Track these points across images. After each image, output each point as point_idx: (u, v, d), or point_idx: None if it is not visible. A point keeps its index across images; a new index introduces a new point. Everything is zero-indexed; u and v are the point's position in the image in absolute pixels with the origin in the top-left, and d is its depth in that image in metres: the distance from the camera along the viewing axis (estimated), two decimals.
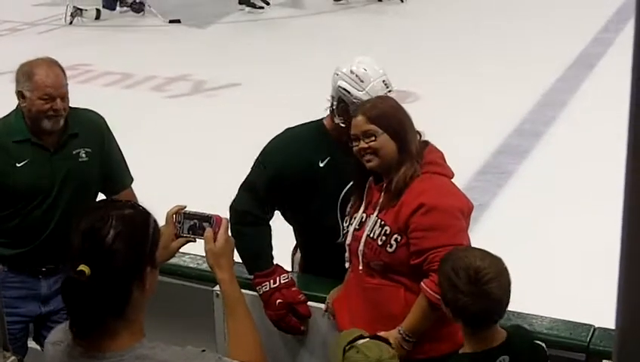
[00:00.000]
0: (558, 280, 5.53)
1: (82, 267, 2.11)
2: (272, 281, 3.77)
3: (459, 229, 3.32)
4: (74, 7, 13.50)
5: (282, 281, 3.77)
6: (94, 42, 12.43)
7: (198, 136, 8.49)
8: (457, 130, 8.30)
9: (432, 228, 3.29)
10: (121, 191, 4.16)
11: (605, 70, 10.20)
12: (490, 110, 8.88)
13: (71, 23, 13.41)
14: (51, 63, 3.90)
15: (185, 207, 2.72)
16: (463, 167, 7.32)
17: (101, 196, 4.18)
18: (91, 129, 4.05)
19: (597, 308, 4.01)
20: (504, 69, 10.19)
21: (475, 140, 8.08)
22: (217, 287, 3.86)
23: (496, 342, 2.87)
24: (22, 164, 3.87)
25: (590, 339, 3.43)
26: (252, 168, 3.94)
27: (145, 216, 2.27)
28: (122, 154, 4.21)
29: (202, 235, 2.64)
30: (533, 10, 12.86)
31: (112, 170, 4.15)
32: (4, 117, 4.01)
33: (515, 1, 13.47)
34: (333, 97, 3.93)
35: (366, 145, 3.40)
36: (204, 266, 4.04)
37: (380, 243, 3.38)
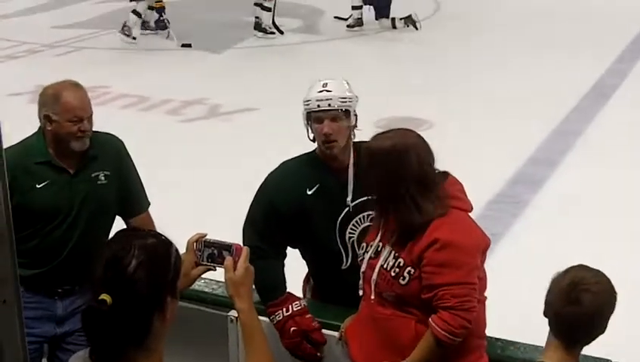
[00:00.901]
0: None
1: (104, 296, 2.14)
2: (284, 309, 3.78)
3: (472, 268, 3.32)
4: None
5: (295, 309, 3.78)
6: (111, 65, 12.50)
7: (214, 159, 8.51)
8: (471, 158, 8.30)
9: (445, 264, 3.28)
10: (139, 215, 4.20)
11: (620, 100, 10.21)
12: (505, 138, 8.87)
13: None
14: (76, 85, 3.96)
15: (206, 235, 2.72)
16: (477, 196, 7.30)
17: (118, 219, 4.21)
18: (110, 152, 4.09)
19: (615, 342, 4.01)
20: (518, 98, 10.18)
21: (489, 169, 8.07)
22: (232, 312, 3.89)
23: None
24: (42, 185, 3.91)
25: None
26: (251, 203, 3.98)
27: (167, 245, 2.29)
28: (140, 178, 4.24)
29: (221, 264, 2.64)
30: (548, 39, 12.87)
31: (130, 194, 4.17)
32: (25, 139, 4.04)
33: (529, 30, 13.47)
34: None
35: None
36: (219, 291, 4.07)
37: (393, 274, 3.37)
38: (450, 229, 3.32)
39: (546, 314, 2.89)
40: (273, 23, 13.74)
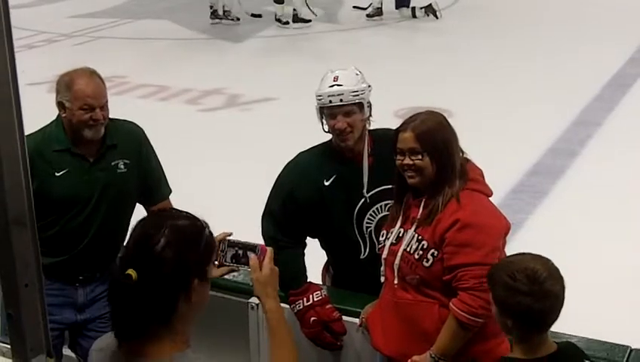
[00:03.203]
0: (593, 300, 5.49)
1: (130, 271, 2.17)
2: (305, 299, 3.78)
3: (492, 249, 3.31)
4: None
5: (316, 299, 3.79)
6: (130, 54, 12.52)
7: (233, 149, 8.52)
8: (491, 147, 8.26)
9: (466, 244, 3.29)
10: (159, 203, 4.19)
11: None
12: (525, 128, 8.84)
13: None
14: (91, 73, 3.94)
15: (230, 234, 2.73)
16: (497, 186, 7.30)
17: (139, 207, 4.22)
18: (130, 140, 4.08)
19: (634, 328, 4.01)
20: (539, 87, 10.15)
21: (509, 159, 8.04)
22: (252, 299, 3.90)
23: (546, 352, 2.83)
24: (61, 173, 3.91)
25: (627, 360, 3.41)
26: (268, 195, 3.98)
27: (199, 228, 2.31)
28: (161, 166, 4.24)
29: (245, 264, 2.65)
30: (569, 29, 12.81)
31: (151, 181, 4.18)
32: (44, 127, 4.04)
33: (550, 20, 13.42)
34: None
35: (411, 162, 3.41)
36: (240, 278, 4.07)
37: (416, 257, 3.38)
38: (471, 210, 3.34)
39: (513, 319, 2.81)
40: (307, 8, 13.88)
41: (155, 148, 4.23)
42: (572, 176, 7.85)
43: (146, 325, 2.21)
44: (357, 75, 3.99)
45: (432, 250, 3.35)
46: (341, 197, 3.86)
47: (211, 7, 14.22)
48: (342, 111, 3.83)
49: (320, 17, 14.35)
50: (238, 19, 14.05)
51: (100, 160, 4.00)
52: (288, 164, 4.03)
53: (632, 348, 3.47)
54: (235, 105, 10.24)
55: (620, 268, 5.99)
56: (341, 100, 3.82)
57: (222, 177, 7.75)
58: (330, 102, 3.84)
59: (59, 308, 3.98)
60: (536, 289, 2.74)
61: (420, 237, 3.39)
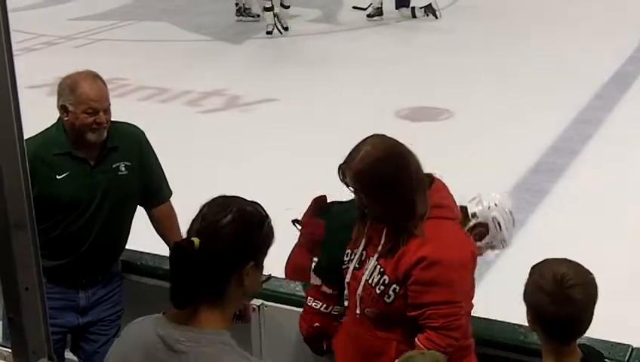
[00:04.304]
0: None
1: (194, 238, 2.31)
2: (324, 305, 3.73)
3: (461, 285, 3.22)
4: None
5: (332, 312, 3.73)
6: (129, 56, 12.51)
7: (234, 150, 8.52)
8: (492, 147, 8.29)
9: (433, 283, 3.17)
10: (161, 205, 4.20)
11: None
12: (526, 127, 8.84)
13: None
14: (94, 77, 3.93)
15: None
16: (497, 184, 7.32)
17: (140, 210, 4.21)
18: (131, 142, 4.08)
19: (635, 327, 4.00)
20: (539, 86, 10.15)
21: (509, 157, 8.05)
22: (254, 301, 3.89)
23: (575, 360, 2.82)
24: (62, 176, 3.90)
25: (628, 359, 3.40)
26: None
27: (263, 217, 2.45)
28: (161, 168, 4.23)
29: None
30: (570, 28, 12.81)
31: (151, 184, 4.17)
32: (45, 130, 4.03)
33: (551, 18, 13.42)
34: (474, 214, 4.01)
35: (358, 199, 3.32)
36: None
37: (378, 291, 3.26)
38: (436, 246, 3.19)
39: (533, 319, 2.81)
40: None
41: (155, 150, 4.23)
42: (572, 175, 7.85)
43: (199, 295, 2.33)
44: None
45: (394, 286, 3.23)
46: None
47: (237, 4, 14.36)
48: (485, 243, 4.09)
49: (320, 17, 14.36)
50: (259, 15, 14.05)
51: (101, 163, 3.99)
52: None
53: (634, 346, 3.47)
54: (235, 106, 10.24)
55: (620, 266, 5.99)
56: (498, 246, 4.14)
57: (223, 178, 7.75)
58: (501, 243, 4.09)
59: (61, 312, 3.97)
60: (558, 292, 2.72)
61: (382, 270, 3.27)
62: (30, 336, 2.27)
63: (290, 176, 7.27)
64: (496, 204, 4.05)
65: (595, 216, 6.81)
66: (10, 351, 2.31)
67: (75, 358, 4.27)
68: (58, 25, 14.39)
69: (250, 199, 2.52)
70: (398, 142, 3.37)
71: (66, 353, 4.21)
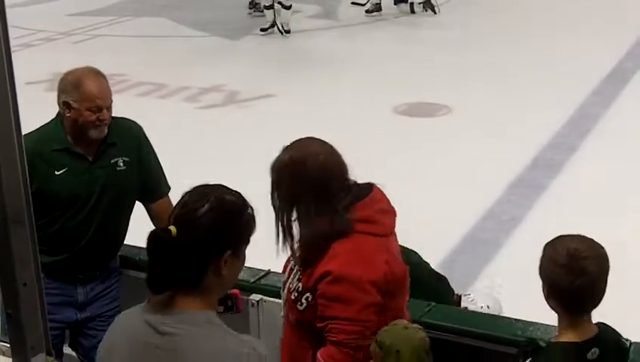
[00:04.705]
0: None
1: (171, 227, 2.33)
2: None
3: (365, 305, 3.10)
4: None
5: None
6: (128, 52, 12.51)
7: (231, 146, 8.52)
8: (490, 142, 8.29)
9: (337, 298, 3.10)
10: (159, 200, 4.20)
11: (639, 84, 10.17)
12: (524, 123, 8.85)
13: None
14: (98, 74, 3.93)
15: None
16: (496, 180, 7.34)
17: (138, 205, 4.22)
18: (129, 138, 4.08)
19: (634, 322, 4.00)
20: (538, 82, 10.15)
21: (508, 153, 8.05)
22: (252, 296, 3.90)
23: (590, 334, 2.91)
24: (60, 172, 3.90)
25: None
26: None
27: (242, 207, 2.46)
28: (159, 163, 4.23)
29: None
30: (568, 24, 12.82)
31: (149, 179, 4.17)
32: (43, 126, 4.03)
33: (549, 14, 13.42)
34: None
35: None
36: (240, 275, 4.06)
37: (292, 298, 3.24)
38: (344, 261, 3.10)
39: (549, 294, 2.91)
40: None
41: (154, 145, 4.23)
42: (571, 171, 7.85)
43: (177, 281, 2.35)
44: None
45: (307, 294, 3.18)
46: None
47: None
48: None
49: (319, 13, 14.35)
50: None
51: (100, 158, 3.99)
52: None
53: (632, 341, 3.47)
54: (233, 102, 10.24)
55: (619, 261, 5.97)
56: None
57: (221, 175, 7.74)
58: None
59: (59, 307, 3.97)
60: (573, 264, 2.82)
61: (299, 276, 3.24)
62: (28, 332, 2.27)
63: None
64: (488, 306, 4.16)
65: (593, 212, 6.81)
66: (8, 346, 2.32)
67: (73, 353, 4.27)
68: (57, 21, 14.38)
69: (234, 189, 2.53)
70: (311, 145, 3.31)
71: (64, 348, 4.22)
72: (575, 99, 9.59)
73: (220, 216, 2.38)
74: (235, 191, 2.50)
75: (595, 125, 8.92)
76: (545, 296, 2.93)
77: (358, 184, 3.24)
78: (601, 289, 2.88)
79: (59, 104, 3.91)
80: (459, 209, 6.75)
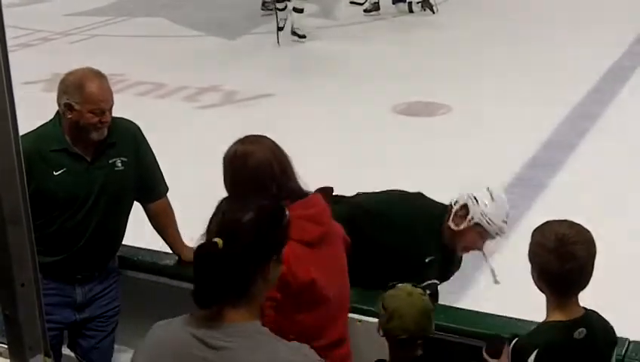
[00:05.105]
0: (591, 292, 5.49)
1: (217, 239, 2.31)
2: None
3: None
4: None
5: None
6: (126, 52, 12.49)
7: (229, 146, 8.51)
8: (489, 141, 8.28)
9: None
10: (157, 200, 4.20)
11: (639, 82, 10.15)
12: (522, 121, 8.84)
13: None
14: (100, 76, 3.92)
15: None
16: (495, 179, 7.31)
17: (136, 205, 4.21)
18: (127, 138, 4.07)
19: (632, 321, 3.99)
20: (536, 80, 10.14)
21: (507, 152, 8.05)
22: None
23: (577, 314, 3.02)
24: (59, 172, 3.89)
25: (625, 353, 3.41)
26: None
27: (281, 211, 2.47)
28: (157, 163, 4.23)
29: None
30: (566, 22, 12.81)
31: (147, 179, 4.17)
32: (41, 126, 4.02)
33: (547, 13, 13.41)
34: (457, 201, 4.24)
35: None
36: None
37: None
38: None
39: (539, 277, 3.00)
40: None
41: (152, 145, 4.23)
42: (570, 169, 7.85)
43: (226, 293, 2.34)
44: None
45: None
46: (422, 276, 4.04)
47: None
48: (486, 238, 4.22)
49: (317, 13, 14.33)
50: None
51: (98, 158, 3.98)
52: (407, 212, 4.32)
53: (631, 339, 3.47)
54: (231, 102, 10.23)
55: (617, 260, 5.98)
56: (498, 236, 4.23)
57: (219, 174, 7.74)
58: (497, 234, 4.21)
59: (57, 308, 3.97)
60: (561, 249, 2.91)
61: None
62: (26, 333, 2.26)
63: None
64: (476, 199, 4.22)
65: (592, 210, 6.79)
66: (6, 346, 2.31)
67: (72, 354, 4.26)
68: (54, 21, 14.36)
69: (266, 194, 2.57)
70: (256, 142, 3.42)
71: (63, 349, 4.21)
72: (574, 98, 9.59)
73: (264, 222, 2.39)
74: (271, 197, 2.58)
75: (594, 123, 8.92)
76: (534, 279, 3.03)
77: (302, 190, 3.27)
78: (589, 272, 2.98)
79: (59, 105, 3.90)
80: None
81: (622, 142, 8.20)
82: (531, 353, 2.96)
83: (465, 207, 4.22)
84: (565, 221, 3.06)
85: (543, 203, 7.13)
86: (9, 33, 2.23)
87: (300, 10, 12.72)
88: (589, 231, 3.03)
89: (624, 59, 11.09)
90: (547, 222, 3.07)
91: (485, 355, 3.14)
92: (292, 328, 3.09)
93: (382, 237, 4.20)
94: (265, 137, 3.44)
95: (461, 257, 4.54)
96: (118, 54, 12.10)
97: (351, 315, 3.72)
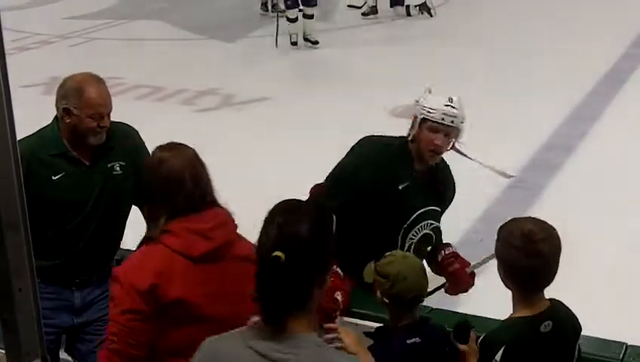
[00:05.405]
0: (589, 297, 5.48)
1: (278, 253, 2.28)
2: None
3: (126, 310, 3.03)
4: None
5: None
6: (124, 55, 12.50)
7: (227, 149, 8.50)
8: (487, 144, 8.26)
9: (111, 297, 3.14)
10: None
11: (637, 84, 10.16)
12: (521, 124, 8.84)
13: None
14: (99, 81, 3.93)
15: None
16: (494, 181, 7.32)
17: (134, 208, 4.20)
18: (125, 142, 4.08)
19: (630, 325, 4.00)
20: (535, 83, 10.15)
21: (505, 154, 8.03)
22: None
23: (542, 308, 3.09)
24: (58, 177, 3.89)
25: (623, 357, 3.41)
26: (343, 166, 4.21)
27: (331, 215, 2.47)
28: None
29: None
30: (564, 24, 12.82)
31: None
32: (40, 130, 4.02)
33: (545, 16, 13.42)
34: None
35: None
36: None
37: None
38: (128, 264, 3.14)
39: (506, 274, 3.08)
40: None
41: (150, 149, 4.22)
42: (568, 171, 7.85)
43: (290, 305, 2.34)
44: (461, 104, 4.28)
45: None
46: (404, 204, 4.07)
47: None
48: (445, 131, 4.12)
49: (315, 16, 14.33)
50: (283, 10, 13.86)
51: (97, 163, 3.99)
52: (369, 154, 4.22)
53: (629, 344, 3.47)
54: (229, 105, 10.23)
55: (616, 264, 5.99)
56: (452, 122, 4.13)
57: (217, 177, 7.73)
58: (442, 119, 4.10)
59: (55, 312, 3.97)
60: (529, 247, 2.98)
61: None
62: (23, 337, 2.26)
63: (285, 175, 7.27)
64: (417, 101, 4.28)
65: (590, 213, 6.80)
66: (3, 351, 2.31)
67: (69, 358, 4.26)
68: (53, 24, 14.37)
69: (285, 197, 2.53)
70: (175, 158, 3.30)
71: (60, 353, 4.20)
72: (572, 100, 9.59)
73: (320, 230, 2.39)
74: (317, 202, 2.63)
75: (592, 126, 8.92)
76: (501, 275, 3.11)
77: (206, 203, 3.22)
78: (555, 267, 3.04)
79: (58, 109, 3.90)
80: (456, 210, 6.73)
81: (620, 144, 8.20)
82: (499, 349, 3.03)
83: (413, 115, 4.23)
84: (531, 218, 3.15)
85: (541, 205, 7.12)
86: (7, 36, 2.23)
87: (310, 17, 12.64)
88: (554, 228, 3.09)
89: (622, 62, 11.09)
90: (513, 219, 3.16)
91: (453, 340, 3.23)
92: (164, 342, 3.07)
93: (359, 185, 4.15)
94: (186, 146, 3.39)
95: (453, 181, 4.53)
96: (116, 58, 12.11)
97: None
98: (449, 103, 4.16)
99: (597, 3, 13.89)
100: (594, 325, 3.74)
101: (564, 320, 3.14)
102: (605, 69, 10.74)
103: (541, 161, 8.07)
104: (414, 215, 4.09)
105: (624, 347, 3.46)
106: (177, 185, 3.15)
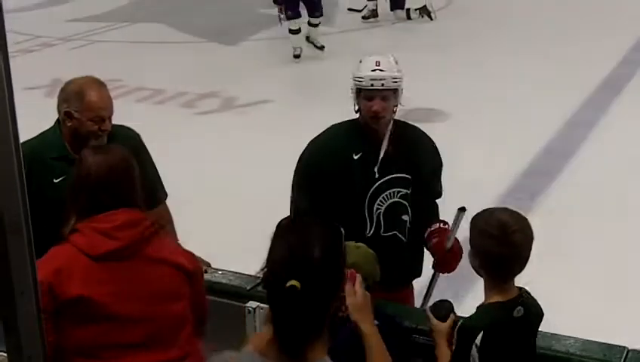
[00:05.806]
0: (590, 301, 5.50)
1: (293, 282, 2.20)
2: None
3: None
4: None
5: None
6: (126, 58, 12.52)
7: (228, 152, 8.52)
8: (485, 149, 8.29)
9: None
10: (156, 207, 4.19)
11: (634, 91, 10.17)
12: (520, 129, 8.85)
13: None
14: (100, 84, 3.95)
15: None
16: (491, 187, 7.32)
17: None
18: (126, 145, 4.05)
19: (631, 329, 4.00)
20: (535, 88, 10.15)
21: (504, 159, 8.05)
22: (249, 304, 3.90)
23: (513, 294, 3.21)
24: (59, 180, 3.89)
25: (624, 361, 3.41)
26: (296, 169, 4.23)
27: (340, 234, 2.40)
28: (156, 170, 4.24)
29: None
30: (563, 30, 12.84)
31: (146, 186, 4.15)
32: (42, 133, 4.04)
33: (544, 21, 13.44)
34: None
35: None
36: (236, 282, 4.07)
37: None
38: (47, 255, 3.17)
39: (480, 262, 3.19)
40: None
41: (151, 151, 4.24)
42: (567, 177, 7.86)
43: (310, 336, 2.29)
44: (395, 63, 4.26)
45: None
46: (362, 174, 4.06)
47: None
48: (380, 95, 4.08)
49: None
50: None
51: None
52: (318, 136, 4.25)
53: (630, 348, 3.48)
54: (230, 108, 10.25)
55: (616, 268, 6.00)
56: (382, 85, 4.07)
57: (219, 180, 7.75)
58: (372, 85, 4.07)
59: None
60: (503, 237, 3.10)
61: None
62: (25, 341, 2.26)
63: (286, 178, 7.27)
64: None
65: (589, 218, 6.81)
66: (5, 355, 2.31)
67: None
68: (55, 26, 14.39)
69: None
70: (110, 153, 3.38)
71: None
72: (571, 106, 9.60)
73: (332, 254, 2.33)
74: (320, 220, 2.48)
75: (590, 131, 8.93)
76: (473, 263, 3.23)
77: (129, 204, 3.26)
78: (527, 256, 3.16)
79: (59, 112, 3.92)
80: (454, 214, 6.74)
81: (619, 149, 8.21)
82: (477, 334, 3.13)
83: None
84: (506, 209, 3.28)
85: (539, 211, 7.13)
86: (10, 39, 2.24)
87: (316, 25, 12.50)
88: (526, 219, 3.20)
89: (620, 68, 11.10)
90: (488, 209, 3.28)
91: (429, 314, 3.31)
92: (68, 341, 3.09)
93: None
94: (117, 147, 3.43)
95: (430, 146, 4.51)
96: (118, 60, 12.13)
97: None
98: (376, 67, 4.14)
99: (596, 9, 13.90)
100: (594, 329, 3.75)
101: (532, 307, 3.26)
102: (604, 74, 10.75)
103: (540, 167, 8.08)
104: (377, 183, 4.06)
105: (625, 351, 3.46)
106: (83, 185, 3.24)
